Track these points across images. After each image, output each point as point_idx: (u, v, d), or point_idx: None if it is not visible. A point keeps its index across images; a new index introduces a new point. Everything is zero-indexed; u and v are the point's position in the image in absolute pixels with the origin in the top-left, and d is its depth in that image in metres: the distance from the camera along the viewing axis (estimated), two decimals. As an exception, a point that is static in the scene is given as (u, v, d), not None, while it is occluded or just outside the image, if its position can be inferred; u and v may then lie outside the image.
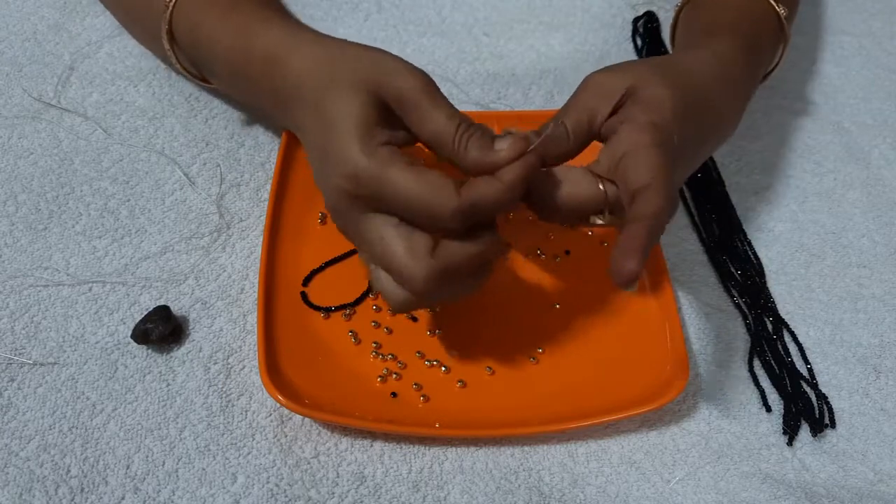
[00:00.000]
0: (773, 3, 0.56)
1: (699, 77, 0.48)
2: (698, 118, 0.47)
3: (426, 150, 0.45)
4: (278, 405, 0.47)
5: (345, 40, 0.47)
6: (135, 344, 0.50)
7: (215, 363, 0.49)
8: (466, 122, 0.43)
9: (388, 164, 0.41)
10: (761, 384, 0.51)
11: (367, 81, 0.43)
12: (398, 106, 0.43)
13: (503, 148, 0.41)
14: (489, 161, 0.41)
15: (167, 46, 0.54)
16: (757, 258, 0.56)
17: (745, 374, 0.51)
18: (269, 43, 0.48)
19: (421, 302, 0.43)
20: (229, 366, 0.49)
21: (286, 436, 0.47)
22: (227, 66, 0.51)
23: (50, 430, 0.46)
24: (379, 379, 0.49)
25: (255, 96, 0.51)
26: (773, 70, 0.59)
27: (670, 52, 0.63)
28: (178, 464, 0.46)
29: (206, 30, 0.51)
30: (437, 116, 0.42)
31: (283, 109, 0.48)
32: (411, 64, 0.44)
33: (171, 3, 0.52)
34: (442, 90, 0.63)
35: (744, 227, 0.58)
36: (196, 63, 0.55)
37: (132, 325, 0.50)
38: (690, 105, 0.46)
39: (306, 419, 0.47)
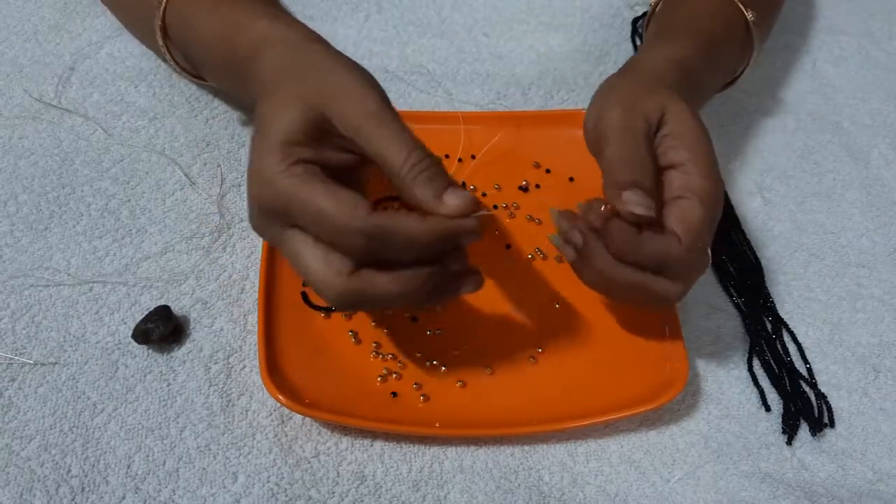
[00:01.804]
0: (741, 7, 0.56)
1: (675, 83, 0.49)
2: None
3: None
4: (279, 405, 0.47)
5: (322, 46, 0.45)
6: (135, 344, 0.50)
7: (216, 363, 0.50)
8: (419, 154, 0.41)
9: (301, 181, 0.40)
10: (760, 384, 0.51)
11: (312, 97, 0.42)
12: (344, 128, 0.42)
13: (452, 203, 0.40)
14: (433, 210, 0.40)
15: (160, 42, 0.54)
16: (756, 258, 0.56)
17: (745, 373, 0.52)
18: (253, 37, 0.47)
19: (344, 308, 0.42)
20: (230, 365, 0.50)
21: (286, 435, 0.47)
22: (214, 60, 0.51)
23: (51, 429, 0.47)
24: (379, 379, 0.49)
25: (240, 93, 0.51)
26: (739, 75, 0.59)
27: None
28: (178, 463, 0.46)
29: (196, 23, 0.51)
30: (385, 141, 0.41)
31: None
32: (368, 83, 0.43)
33: None
34: (442, 90, 0.64)
35: (743, 226, 0.58)
36: (188, 58, 0.54)
37: (133, 325, 0.50)
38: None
39: (306, 419, 0.48)
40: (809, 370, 0.52)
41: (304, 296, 0.52)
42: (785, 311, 0.54)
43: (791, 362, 0.52)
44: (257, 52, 0.46)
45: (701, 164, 0.45)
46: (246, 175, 0.43)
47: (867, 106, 0.66)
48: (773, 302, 0.54)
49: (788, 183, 0.61)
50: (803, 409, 0.50)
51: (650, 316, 0.51)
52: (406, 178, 0.40)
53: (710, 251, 0.47)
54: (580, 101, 0.64)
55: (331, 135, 0.42)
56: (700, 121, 0.47)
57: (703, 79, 0.54)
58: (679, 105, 0.46)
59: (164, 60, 0.56)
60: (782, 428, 0.49)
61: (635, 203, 0.43)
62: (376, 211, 0.40)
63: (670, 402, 0.48)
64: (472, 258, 0.53)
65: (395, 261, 0.41)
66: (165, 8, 0.52)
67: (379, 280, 0.41)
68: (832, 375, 0.52)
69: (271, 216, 0.42)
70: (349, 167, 0.43)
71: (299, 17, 0.67)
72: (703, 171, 0.45)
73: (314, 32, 0.47)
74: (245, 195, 0.56)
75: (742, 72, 0.59)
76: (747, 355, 0.52)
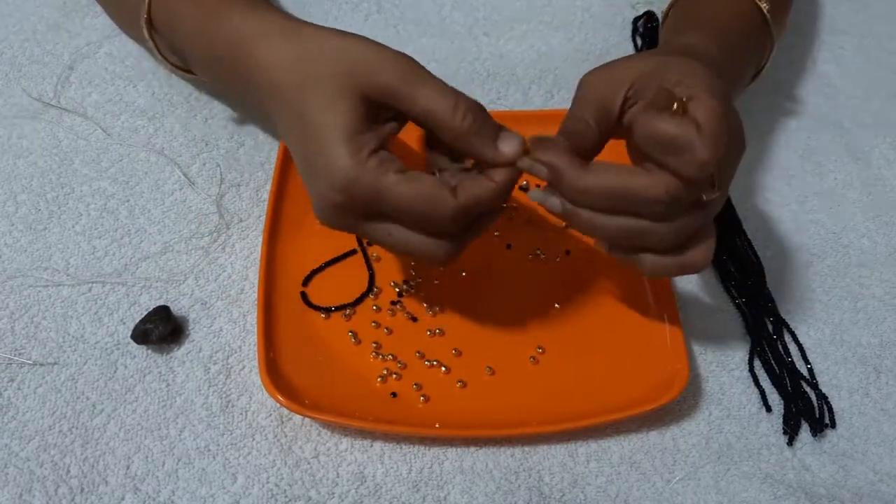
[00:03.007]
0: (755, 0, 0.56)
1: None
2: None
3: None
4: (278, 405, 0.47)
5: (317, 29, 0.44)
6: (135, 344, 0.50)
7: (215, 363, 0.49)
8: (464, 105, 0.42)
9: (382, 175, 0.41)
10: (761, 384, 0.51)
11: (349, 81, 0.42)
12: (387, 98, 0.42)
13: (510, 151, 0.43)
14: (494, 160, 0.43)
15: (146, 35, 0.53)
16: (757, 258, 0.56)
17: (746, 374, 0.51)
18: (234, 28, 0.46)
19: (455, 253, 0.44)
20: (229, 366, 0.49)
21: (286, 436, 0.47)
22: (198, 53, 0.50)
23: (50, 430, 0.46)
24: (379, 379, 0.49)
25: (228, 85, 0.50)
26: (762, 68, 0.58)
27: None
28: (177, 464, 0.46)
29: (180, 13, 0.51)
30: (431, 100, 0.42)
31: (257, 102, 0.47)
32: (390, 50, 0.43)
33: None
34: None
35: (744, 227, 0.58)
36: (176, 52, 0.54)
37: (132, 326, 0.50)
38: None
39: (306, 419, 0.47)
40: (810, 370, 0.52)
41: (304, 295, 0.51)
42: (786, 311, 0.54)
43: (792, 363, 0.52)
44: (243, 44, 0.45)
45: (699, 75, 0.43)
46: (306, 175, 0.43)
47: (868, 106, 0.66)
48: (774, 302, 0.54)
49: (790, 183, 0.61)
50: (804, 409, 0.50)
51: (651, 316, 0.51)
52: (459, 131, 0.42)
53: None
54: (581, 100, 0.64)
55: (379, 111, 0.43)
56: (703, 64, 0.44)
57: (722, 68, 0.51)
58: (673, 58, 0.45)
59: (152, 54, 0.56)
60: (783, 428, 0.49)
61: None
62: (456, 191, 0.41)
63: (671, 403, 0.48)
64: (473, 258, 0.54)
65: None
66: (151, 0, 0.52)
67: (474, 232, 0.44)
68: (833, 376, 0.52)
69: (352, 213, 0.42)
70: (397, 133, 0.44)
71: (300, 17, 0.67)
72: (702, 76, 0.43)
73: (294, 18, 0.46)
74: (244, 194, 0.57)
75: (764, 65, 0.58)
76: (748, 356, 0.52)
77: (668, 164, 0.41)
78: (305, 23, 0.46)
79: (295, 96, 0.43)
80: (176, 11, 0.51)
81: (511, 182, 0.43)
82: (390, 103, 0.43)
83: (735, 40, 0.54)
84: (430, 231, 0.42)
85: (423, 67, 0.43)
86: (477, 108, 0.42)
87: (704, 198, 0.42)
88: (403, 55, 0.43)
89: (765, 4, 0.56)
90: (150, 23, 0.53)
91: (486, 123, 0.43)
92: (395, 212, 0.42)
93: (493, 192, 0.42)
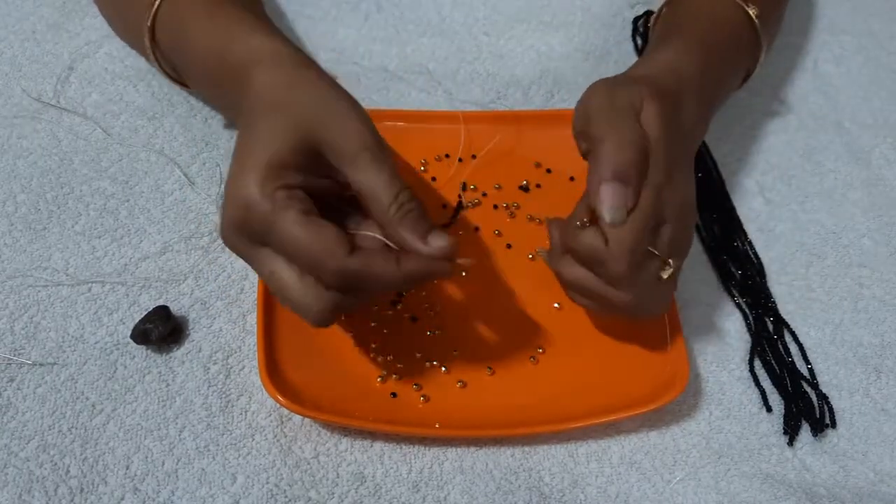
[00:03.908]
0: (742, 4, 0.55)
1: (662, 84, 0.48)
2: (675, 125, 0.47)
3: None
4: (278, 405, 0.47)
5: (317, 72, 0.45)
6: (134, 344, 0.49)
7: (215, 363, 0.49)
8: (407, 195, 0.42)
9: (282, 209, 0.40)
10: (762, 384, 0.51)
11: (306, 123, 0.42)
12: (333, 156, 0.42)
13: (436, 245, 0.42)
14: (416, 250, 0.42)
15: (147, 45, 0.53)
16: (757, 258, 0.56)
17: (746, 374, 0.51)
18: (246, 50, 0.47)
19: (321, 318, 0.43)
20: (229, 366, 0.49)
21: (286, 436, 0.47)
22: (202, 67, 0.50)
23: (49, 430, 0.46)
24: (379, 379, 0.49)
25: (223, 103, 0.50)
26: (753, 72, 0.58)
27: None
28: (177, 464, 0.46)
29: (190, 27, 0.50)
30: (376, 178, 0.42)
31: (237, 117, 0.47)
32: (363, 115, 0.43)
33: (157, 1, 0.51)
34: (442, 90, 0.63)
35: (744, 227, 0.58)
36: (173, 63, 0.54)
37: (132, 326, 0.50)
38: (669, 114, 0.46)
39: (306, 419, 0.47)
40: (811, 371, 0.52)
41: (304, 296, 0.51)
42: (786, 311, 0.54)
43: (792, 363, 0.52)
44: (251, 66, 0.46)
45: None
46: (224, 188, 0.43)
47: (869, 105, 0.66)
48: (774, 302, 0.54)
49: (790, 183, 0.61)
50: (805, 409, 0.50)
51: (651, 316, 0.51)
52: (393, 217, 0.41)
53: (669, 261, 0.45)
54: (581, 100, 0.64)
55: (317, 163, 0.43)
56: (666, 123, 0.45)
57: (701, 81, 0.52)
58: (650, 105, 0.45)
59: (149, 61, 0.55)
60: (784, 429, 0.49)
61: (609, 201, 0.43)
62: (354, 252, 0.41)
63: (671, 403, 0.48)
64: (473, 258, 0.53)
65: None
66: (158, 9, 0.52)
67: (350, 298, 0.43)
68: (833, 376, 0.52)
69: (244, 233, 0.42)
70: (330, 193, 0.44)
71: (299, 17, 0.67)
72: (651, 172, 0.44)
73: (307, 56, 0.47)
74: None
75: (754, 69, 0.58)
76: (749, 356, 0.52)
77: (595, 272, 0.44)
78: (314, 65, 0.46)
79: (255, 115, 0.43)
80: (184, 23, 0.51)
81: (415, 277, 0.42)
82: (333, 162, 0.42)
83: (721, 50, 0.54)
84: (315, 278, 0.41)
85: (385, 146, 0.43)
86: (415, 206, 0.42)
87: (663, 276, 0.45)
88: (371, 126, 0.43)
89: (753, 10, 0.55)
90: (152, 31, 0.53)
91: (421, 221, 0.42)
92: (283, 245, 0.41)
93: (390, 274, 0.41)
